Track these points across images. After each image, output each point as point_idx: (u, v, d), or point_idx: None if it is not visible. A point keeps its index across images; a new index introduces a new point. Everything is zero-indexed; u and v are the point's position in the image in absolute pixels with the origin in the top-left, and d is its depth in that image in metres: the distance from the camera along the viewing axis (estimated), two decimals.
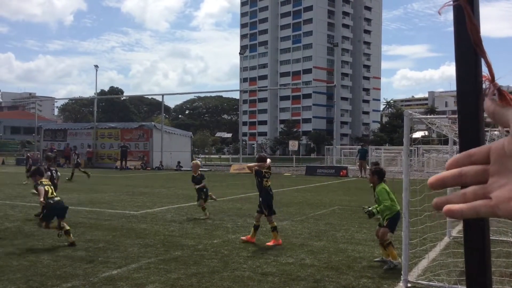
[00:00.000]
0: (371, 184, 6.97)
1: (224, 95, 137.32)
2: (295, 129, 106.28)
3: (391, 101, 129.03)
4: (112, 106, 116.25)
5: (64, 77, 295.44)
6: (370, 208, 6.77)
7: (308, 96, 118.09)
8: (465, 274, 2.86)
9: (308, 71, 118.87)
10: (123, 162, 34.74)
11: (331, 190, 19.55)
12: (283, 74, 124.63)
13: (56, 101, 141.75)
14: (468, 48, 2.76)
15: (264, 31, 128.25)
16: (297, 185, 21.31)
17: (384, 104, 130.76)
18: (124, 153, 34.88)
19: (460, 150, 2.55)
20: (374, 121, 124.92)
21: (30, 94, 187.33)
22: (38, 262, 6.67)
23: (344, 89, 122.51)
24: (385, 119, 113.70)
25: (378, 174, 6.85)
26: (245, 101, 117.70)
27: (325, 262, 6.87)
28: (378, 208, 6.58)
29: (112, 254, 7.25)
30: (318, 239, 8.59)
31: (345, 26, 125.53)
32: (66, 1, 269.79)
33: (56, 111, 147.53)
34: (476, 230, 2.90)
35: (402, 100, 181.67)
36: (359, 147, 31.87)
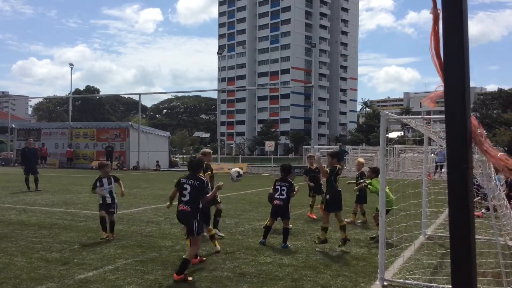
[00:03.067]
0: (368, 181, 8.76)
1: (202, 94, 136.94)
2: (273, 129, 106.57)
3: (368, 102, 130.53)
4: (88, 105, 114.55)
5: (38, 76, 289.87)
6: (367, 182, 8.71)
7: (286, 96, 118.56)
8: (451, 273, 2.86)
9: (286, 71, 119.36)
10: (109, 163, 34.20)
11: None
12: (261, 74, 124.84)
13: (30, 100, 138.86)
14: (456, 56, 2.75)
15: (242, 31, 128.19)
16: (270, 186, 21.34)
17: (361, 104, 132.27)
18: (110, 153, 34.36)
19: (448, 152, 2.51)
20: (351, 121, 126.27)
21: (3, 92, 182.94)
22: (12, 264, 6.53)
23: (322, 90, 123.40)
24: (362, 120, 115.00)
25: (375, 172, 8.37)
26: (223, 101, 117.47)
27: (303, 262, 6.91)
28: (372, 188, 8.32)
29: (87, 255, 7.14)
30: (296, 238, 8.62)
31: (323, 27, 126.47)
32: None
33: (30, 111, 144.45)
34: (462, 229, 2.92)
35: (378, 101, 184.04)
36: (337, 147, 32.13)
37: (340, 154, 28.29)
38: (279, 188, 8.10)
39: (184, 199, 6.20)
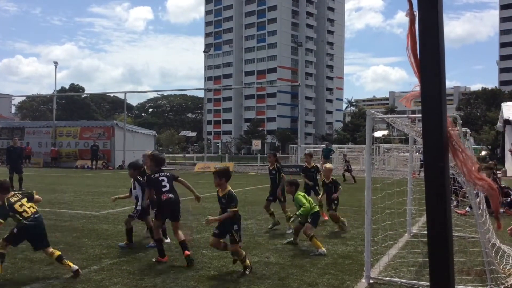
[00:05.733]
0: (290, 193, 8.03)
1: (189, 93, 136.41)
2: (260, 128, 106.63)
3: (353, 101, 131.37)
4: (73, 104, 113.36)
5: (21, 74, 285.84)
6: (292, 216, 8.09)
7: (272, 95, 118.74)
8: (429, 269, 2.91)
9: (272, 70, 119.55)
10: (94, 162, 33.95)
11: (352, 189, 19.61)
12: (248, 73, 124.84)
13: (14, 99, 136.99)
14: (432, 57, 2.83)
15: (229, 30, 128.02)
16: (262, 184, 21.35)
17: (346, 104, 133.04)
18: (95, 152, 34.07)
19: (424, 151, 2.58)
20: (337, 120, 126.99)
21: None
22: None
23: (308, 89, 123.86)
24: (347, 119, 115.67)
25: (295, 185, 7.81)
26: (209, 100, 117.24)
27: (290, 260, 6.93)
28: (299, 212, 7.58)
29: (73, 255, 7.06)
30: (283, 237, 8.65)
31: (309, 26, 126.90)
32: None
33: (13, 109, 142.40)
34: (439, 227, 2.97)
35: (364, 100, 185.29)
36: (324, 146, 32.26)
37: (326, 152, 28.53)
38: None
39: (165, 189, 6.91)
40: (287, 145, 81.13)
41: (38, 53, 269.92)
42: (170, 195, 6.96)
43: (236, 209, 5.97)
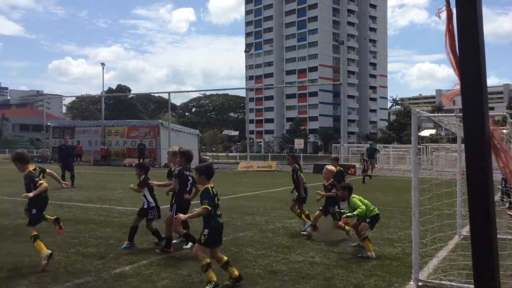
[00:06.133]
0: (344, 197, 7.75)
1: (231, 93, 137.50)
2: (302, 127, 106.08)
3: (398, 99, 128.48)
4: (120, 104, 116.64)
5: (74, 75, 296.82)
6: (342, 210, 7.83)
7: (314, 94, 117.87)
8: (473, 269, 2.83)
9: (314, 69, 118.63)
10: (141, 160, 34.87)
11: (368, 188, 19.44)
12: (289, 72, 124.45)
13: (64, 99, 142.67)
14: (472, 54, 2.75)
15: (269, 29, 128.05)
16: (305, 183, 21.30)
17: (391, 102, 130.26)
18: (142, 151, 35.00)
19: (466, 150, 2.52)
20: (381, 119, 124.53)
21: (37, 92, 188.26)
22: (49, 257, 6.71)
23: (351, 87, 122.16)
24: (392, 117, 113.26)
25: (348, 189, 7.57)
26: (251, 99, 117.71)
27: (335, 260, 6.87)
28: (356, 212, 7.25)
29: (123, 250, 7.29)
30: (327, 237, 8.59)
31: (351, 24, 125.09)
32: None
33: (64, 109, 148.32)
34: (481, 226, 2.90)
35: (409, 98, 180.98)
36: (368, 145, 31.76)
37: (371, 152, 28.07)
38: None
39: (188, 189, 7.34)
40: (329, 144, 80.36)
41: (86, 54, 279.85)
42: (189, 196, 7.42)
43: (207, 206, 5.44)
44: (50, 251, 6.37)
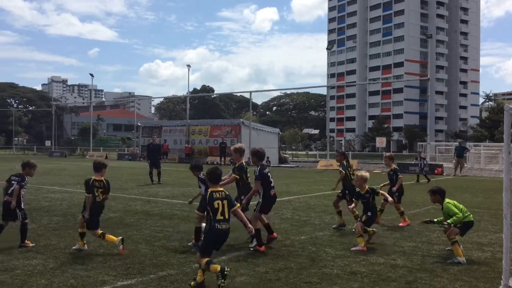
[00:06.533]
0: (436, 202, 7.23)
1: (312, 91, 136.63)
2: (385, 125, 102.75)
3: (491, 95, 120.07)
4: (204, 103, 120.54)
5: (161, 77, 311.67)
6: (438, 221, 7.03)
7: (399, 90, 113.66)
8: None
9: (399, 64, 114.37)
10: (222, 158, 35.89)
11: (424, 189, 18.64)
12: (373, 69, 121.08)
13: (153, 100, 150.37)
14: None
15: (353, 25, 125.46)
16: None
17: (483, 98, 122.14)
18: (223, 149, 36.01)
19: None
20: (472, 116, 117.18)
21: (129, 93, 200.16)
22: (136, 251, 7.11)
23: (439, 83, 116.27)
24: (484, 114, 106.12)
25: (439, 193, 7.07)
26: (332, 97, 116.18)
27: (418, 264, 6.59)
28: (451, 220, 6.76)
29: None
30: (410, 239, 8.26)
31: (440, 16, 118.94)
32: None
33: (153, 109, 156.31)
34: None
35: (504, 94, 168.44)
36: (457, 144, 30.08)
37: (460, 151, 26.56)
38: None
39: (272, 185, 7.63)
40: (415, 143, 77.07)
41: (174, 57, 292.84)
42: (274, 191, 7.70)
43: (198, 212, 5.56)
44: (120, 237, 7.06)
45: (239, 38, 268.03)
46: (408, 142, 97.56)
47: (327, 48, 51.44)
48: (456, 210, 6.82)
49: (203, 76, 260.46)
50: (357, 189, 7.96)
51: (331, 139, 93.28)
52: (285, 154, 45.54)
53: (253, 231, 6.31)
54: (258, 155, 7.72)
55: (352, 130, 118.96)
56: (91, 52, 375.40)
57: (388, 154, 11.72)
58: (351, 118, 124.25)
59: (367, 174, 7.97)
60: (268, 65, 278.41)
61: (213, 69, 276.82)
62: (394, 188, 9.97)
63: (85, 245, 7.18)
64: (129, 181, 19.68)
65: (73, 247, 7.19)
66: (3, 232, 7.25)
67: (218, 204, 5.44)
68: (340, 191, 9.68)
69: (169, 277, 5.79)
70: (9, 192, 7.16)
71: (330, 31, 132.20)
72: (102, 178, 7.19)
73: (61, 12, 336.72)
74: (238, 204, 5.90)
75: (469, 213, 7.00)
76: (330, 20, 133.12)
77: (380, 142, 43.54)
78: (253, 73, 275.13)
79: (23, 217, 7.23)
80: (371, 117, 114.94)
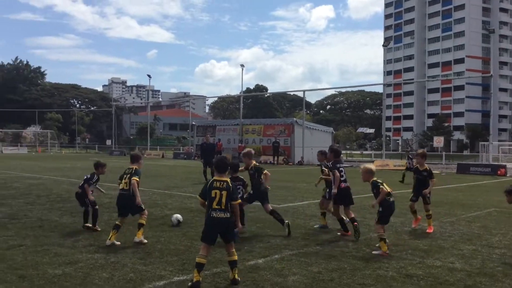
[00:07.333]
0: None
1: (367, 89, 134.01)
2: (445, 124, 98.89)
3: None
4: (257, 103, 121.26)
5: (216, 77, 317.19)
6: None
7: (460, 88, 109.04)
8: None
9: (460, 61, 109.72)
10: (275, 158, 36.03)
11: (486, 190, 17.88)
12: (432, 65, 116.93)
13: (207, 99, 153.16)
14: None
15: (410, 21, 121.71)
16: (447, 184, 19.96)
17: None
18: (276, 148, 36.15)
19: None
20: None
21: (185, 93, 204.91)
22: (192, 247, 7.29)
23: (503, 79, 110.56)
24: None
25: None
26: (389, 95, 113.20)
27: (478, 268, 6.33)
28: None
29: (256, 244, 7.61)
30: (470, 243, 7.94)
31: (503, 10, 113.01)
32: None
33: (207, 109, 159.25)
34: None
35: None
36: None
37: None
38: None
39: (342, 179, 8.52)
40: (476, 142, 73.70)
41: (228, 57, 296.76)
42: (347, 184, 8.51)
43: (198, 197, 5.86)
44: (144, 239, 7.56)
45: (292, 37, 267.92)
46: (469, 142, 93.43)
47: (383, 45, 50.19)
48: None
49: (257, 75, 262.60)
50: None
51: (387, 138, 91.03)
52: None
53: (241, 229, 7.00)
54: (335, 152, 8.75)
55: (409, 129, 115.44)
56: (149, 53, 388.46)
57: (420, 151, 10.44)
58: (409, 117, 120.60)
59: (371, 167, 7.49)
60: (322, 64, 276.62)
61: (267, 68, 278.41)
62: (427, 191, 9.11)
63: (144, 239, 7.47)
64: (184, 180, 20.15)
65: (134, 240, 7.49)
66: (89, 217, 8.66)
67: (215, 193, 5.52)
68: (324, 190, 9.19)
69: (222, 274, 5.90)
70: (80, 186, 8.87)
71: (387, 28, 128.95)
72: (135, 167, 7.94)
73: (120, 16, 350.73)
74: (239, 200, 6.03)
75: None
76: (387, 16, 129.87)
77: (438, 141, 41.92)
78: (307, 72, 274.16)
79: (92, 204, 8.61)
80: (430, 116, 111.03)
